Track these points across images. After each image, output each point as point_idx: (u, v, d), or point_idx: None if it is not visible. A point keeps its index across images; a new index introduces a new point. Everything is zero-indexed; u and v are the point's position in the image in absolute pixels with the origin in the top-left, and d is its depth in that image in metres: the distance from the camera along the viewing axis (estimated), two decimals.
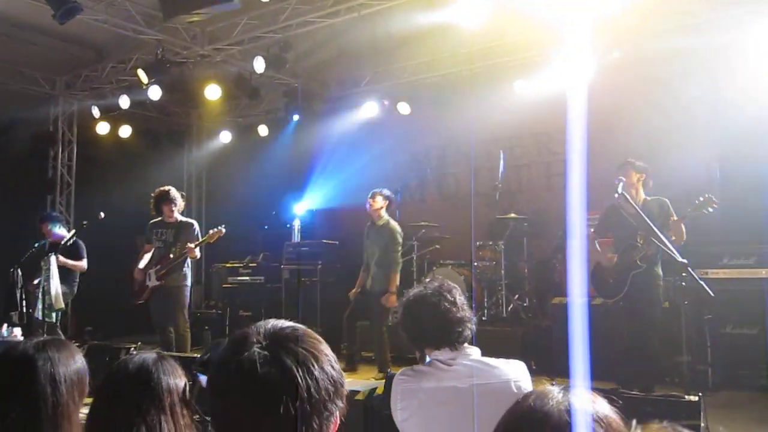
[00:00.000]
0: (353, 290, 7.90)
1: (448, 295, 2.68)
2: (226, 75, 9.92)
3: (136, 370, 1.80)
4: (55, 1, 6.57)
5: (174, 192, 7.46)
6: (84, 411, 2.03)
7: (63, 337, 6.45)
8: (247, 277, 10.55)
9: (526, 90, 9.24)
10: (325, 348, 1.30)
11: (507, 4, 7.61)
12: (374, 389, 4.95)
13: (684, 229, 5.60)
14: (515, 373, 2.61)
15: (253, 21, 8.82)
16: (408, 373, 2.67)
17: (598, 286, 6.17)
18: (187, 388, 1.85)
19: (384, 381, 4.94)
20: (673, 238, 5.45)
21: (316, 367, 1.24)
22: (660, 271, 5.93)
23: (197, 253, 7.27)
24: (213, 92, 9.73)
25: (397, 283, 7.34)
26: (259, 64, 8.97)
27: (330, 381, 1.25)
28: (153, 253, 7.51)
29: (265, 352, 1.23)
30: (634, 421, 1.09)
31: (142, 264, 7.49)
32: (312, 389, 1.22)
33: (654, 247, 5.57)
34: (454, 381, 2.54)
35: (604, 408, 1.16)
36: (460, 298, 2.71)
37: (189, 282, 7.49)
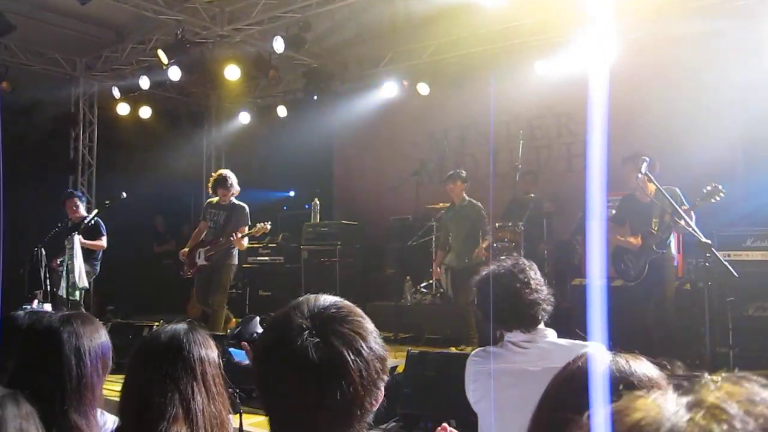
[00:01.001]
0: (436, 269, 8.28)
1: (521, 275, 2.60)
2: (245, 55, 9.91)
3: (168, 339, 1.84)
4: None
5: (230, 177, 7.66)
6: (108, 386, 2.06)
7: None
8: (267, 258, 10.61)
9: (547, 71, 9.15)
10: (369, 324, 1.30)
11: None
12: (395, 368, 4.99)
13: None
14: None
15: (272, 1, 8.78)
16: (480, 354, 2.66)
17: (618, 268, 6.18)
18: (220, 359, 1.88)
19: (405, 360, 4.97)
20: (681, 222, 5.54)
21: (365, 347, 1.23)
22: (673, 252, 6.13)
23: (244, 243, 7.61)
24: (232, 73, 9.72)
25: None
26: (278, 44, 8.95)
27: (378, 358, 1.25)
28: (206, 233, 7.74)
29: (316, 339, 1.22)
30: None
31: (190, 242, 7.80)
32: (363, 371, 1.22)
33: (667, 231, 5.79)
34: (525, 364, 2.50)
35: (650, 370, 1.19)
36: (535, 278, 2.61)
37: (235, 261, 7.74)
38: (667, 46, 8.35)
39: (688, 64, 8.29)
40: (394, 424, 4.66)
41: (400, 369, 5.02)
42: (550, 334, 2.61)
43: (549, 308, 2.62)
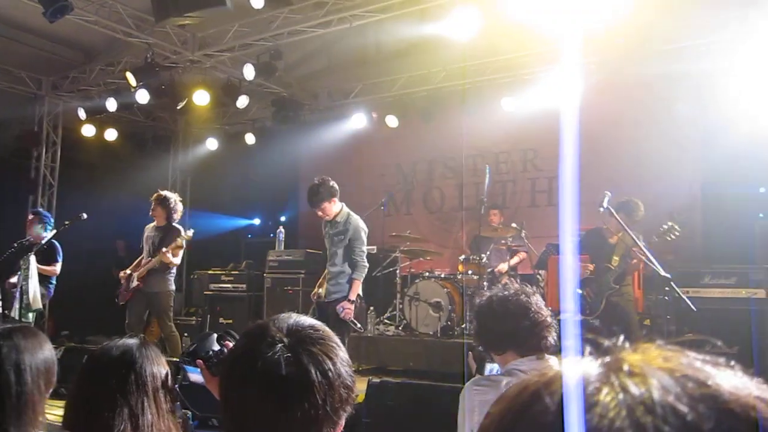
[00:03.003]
0: None
1: (534, 299, 2.53)
2: (214, 81, 9.90)
3: (120, 354, 1.79)
4: None
5: (172, 198, 7.38)
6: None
7: None
8: (229, 285, 10.47)
9: (514, 107, 9.34)
10: (343, 353, 1.28)
11: (497, 20, 7.68)
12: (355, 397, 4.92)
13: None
14: None
15: (244, 28, 8.83)
16: (483, 383, 2.57)
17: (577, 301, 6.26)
18: (169, 377, 1.84)
19: (366, 389, 4.91)
20: (634, 261, 5.89)
21: (333, 371, 1.22)
22: (631, 290, 6.26)
23: (170, 258, 7.19)
24: (201, 98, 9.69)
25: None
26: (248, 71, 8.97)
27: (345, 386, 1.23)
28: (142, 257, 7.50)
29: (288, 354, 1.21)
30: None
31: (130, 268, 7.50)
32: (327, 394, 1.20)
33: (625, 267, 5.99)
34: None
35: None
36: (543, 305, 2.55)
37: (172, 287, 7.47)
38: (632, 87, 8.59)
39: (653, 104, 8.54)
40: None
41: (360, 398, 4.96)
42: (555, 363, 2.48)
43: (555, 337, 2.55)
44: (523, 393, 0.53)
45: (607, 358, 0.52)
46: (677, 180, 8.09)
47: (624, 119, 8.79)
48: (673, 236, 5.43)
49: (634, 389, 0.48)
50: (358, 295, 6.21)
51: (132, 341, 1.85)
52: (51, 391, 1.94)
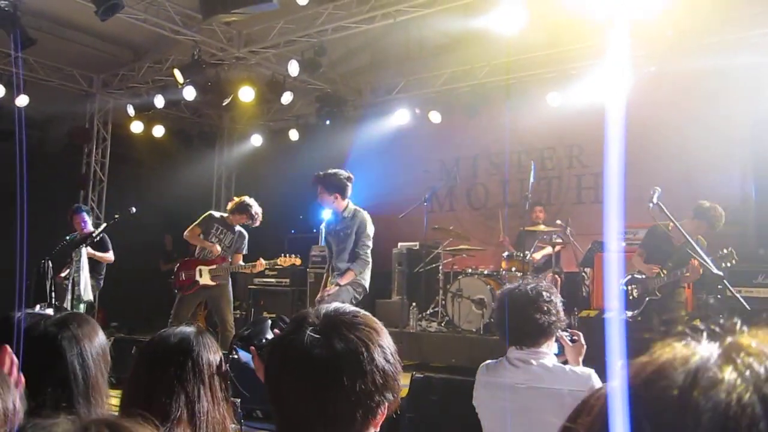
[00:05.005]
0: None
1: (532, 295, 2.65)
2: (259, 78, 10.01)
3: (178, 341, 1.82)
4: None
5: (258, 211, 7.27)
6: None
7: None
8: (273, 279, 10.57)
9: (559, 102, 9.20)
10: (383, 338, 1.28)
11: (542, 13, 7.59)
12: (398, 404, 4.91)
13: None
14: (576, 383, 2.58)
15: (289, 25, 8.89)
16: (488, 364, 2.82)
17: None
18: (223, 363, 1.86)
19: (409, 384, 4.90)
20: (687, 274, 5.50)
21: (366, 356, 1.22)
22: (682, 298, 5.91)
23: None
24: (246, 94, 9.81)
25: None
26: (293, 68, 9.03)
27: (380, 373, 1.22)
28: (205, 251, 7.26)
29: (317, 336, 1.22)
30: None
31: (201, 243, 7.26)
32: (358, 379, 1.20)
33: (675, 279, 5.64)
34: (514, 380, 2.62)
35: None
36: (548, 301, 2.66)
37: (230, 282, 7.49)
38: (680, 80, 8.38)
39: (702, 98, 8.32)
40: None
41: (403, 393, 4.95)
42: (550, 358, 2.68)
43: (553, 331, 2.69)
44: (646, 369, 0.55)
45: (724, 340, 0.55)
46: (728, 176, 7.87)
47: (672, 113, 8.59)
48: (731, 263, 5.23)
49: (758, 367, 0.51)
50: (364, 288, 6.06)
51: (189, 329, 1.89)
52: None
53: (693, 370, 0.52)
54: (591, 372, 2.65)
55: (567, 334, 2.93)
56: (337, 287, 5.84)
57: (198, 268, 7.19)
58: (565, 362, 2.85)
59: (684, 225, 5.34)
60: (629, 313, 5.91)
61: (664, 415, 0.50)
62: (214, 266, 7.19)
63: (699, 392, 0.50)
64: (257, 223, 7.31)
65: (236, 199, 7.43)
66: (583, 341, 2.91)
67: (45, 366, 1.89)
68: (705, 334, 0.56)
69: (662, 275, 5.72)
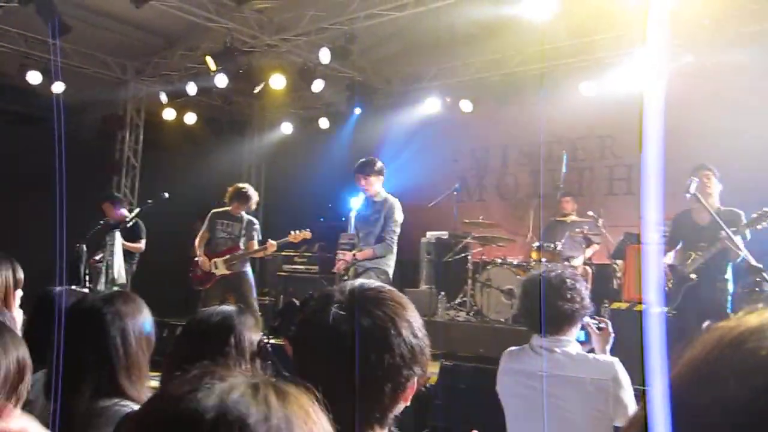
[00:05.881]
0: None
1: (556, 282, 2.65)
2: (290, 65, 10.03)
3: (221, 319, 1.85)
4: None
5: (251, 192, 7.53)
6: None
7: None
8: (302, 266, 10.63)
9: (592, 92, 9.10)
10: (409, 313, 1.29)
11: (576, 1, 7.48)
12: (427, 379, 4.93)
13: (743, 252, 5.02)
14: (599, 372, 2.59)
15: (320, 12, 8.89)
16: (511, 351, 2.86)
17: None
18: (261, 344, 1.89)
19: (438, 372, 4.92)
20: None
21: (392, 332, 1.23)
22: (728, 286, 5.35)
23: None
24: (277, 82, 9.85)
25: None
26: (324, 55, 9.04)
27: (407, 347, 1.23)
28: (212, 243, 7.55)
29: (342, 312, 1.23)
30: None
31: (200, 251, 7.55)
32: (385, 354, 1.21)
33: (714, 257, 5.16)
34: (536, 367, 2.64)
35: None
36: (572, 289, 2.65)
37: (249, 269, 7.64)
38: (719, 70, 8.20)
39: (742, 88, 8.13)
40: None
41: (432, 380, 4.97)
42: (573, 346, 2.68)
43: (578, 320, 2.71)
44: (733, 331, 0.55)
45: None
46: (764, 177, 7.68)
47: (710, 104, 8.41)
48: (765, 224, 4.95)
49: None
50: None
51: (230, 308, 1.92)
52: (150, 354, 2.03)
53: None
54: (614, 360, 2.64)
55: (595, 321, 2.93)
56: (354, 258, 5.90)
57: (213, 261, 7.43)
58: (591, 350, 2.84)
59: (711, 182, 5.20)
60: (665, 309, 5.73)
61: (756, 376, 0.51)
62: (227, 256, 7.41)
63: None
64: (253, 205, 7.54)
65: (230, 189, 7.59)
66: (610, 329, 2.90)
67: (88, 338, 1.94)
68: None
69: (697, 256, 5.31)
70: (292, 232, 7.44)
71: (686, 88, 7.95)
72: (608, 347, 2.87)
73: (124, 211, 8.16)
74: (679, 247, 5.58)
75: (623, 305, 7.03)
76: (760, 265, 4.43)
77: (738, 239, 4.84)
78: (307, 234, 7.45)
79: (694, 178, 4.99)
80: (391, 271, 6.13)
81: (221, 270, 7.40)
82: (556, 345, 2.64)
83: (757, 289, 4.64)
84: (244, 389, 0.69)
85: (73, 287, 6.49)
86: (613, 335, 2.90)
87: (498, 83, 9.96)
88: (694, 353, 0.58)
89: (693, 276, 5.36)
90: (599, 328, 2.91)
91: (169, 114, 11.30)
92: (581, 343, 2.80)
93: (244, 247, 7.46)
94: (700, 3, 7.07)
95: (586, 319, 2.83)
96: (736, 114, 8.11)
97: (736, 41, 7.80)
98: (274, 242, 7.34)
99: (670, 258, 5.64)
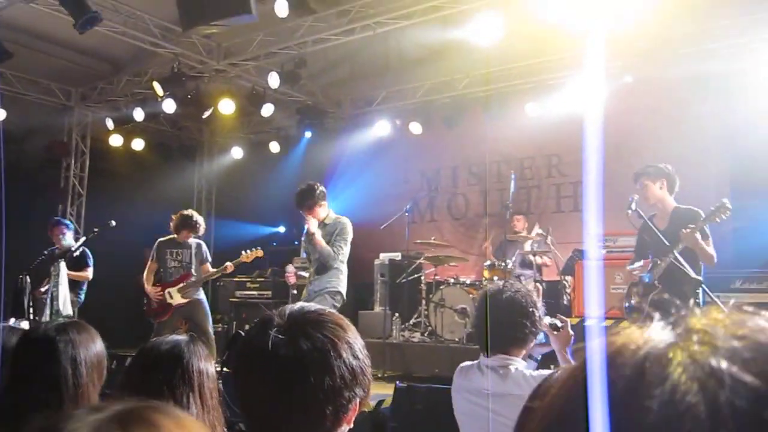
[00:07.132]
0: None
1: (512, 305, 2.61)
2: (240, 90, 10.01)
3: (169, 348, 1.83)
4: (75, 10, 6.66)
5: (198, 218, 7.44)
6: None
7: None
8: (255, 292, 10.52)
9: (537, 112, 9.31)
10: (350, 335, 1.29)
11: (520, 25, 7.67)
12: (381, 401, 4.92)
13: (710, 251, 5.05)
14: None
15: (269, 37, 8.91)
16: (462, 368, 2.83)
17: (624, 306, 5.85)
18: (214, 372, 1.88)
19: (392, 394, 4.91)
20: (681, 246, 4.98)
21: (332, 354, 1.23)
22: (687, 289, 5.06)
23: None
24: (227, 107, 9.80)
25: None
26: (273, 80, 9.05)
27: (348, 369, 1.24)
28: (162, 272, 7.43)
29: (282, 336, 1.23)
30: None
31: (148, 284, 7.40)
32: (326, 376, 1.21)
33: (671, 258, 4.97)
34: (481, 385, 2.64)
35: None
36: (525, 314, 2.60)
37: (204, 296, 7.56)
38: (655, 90, 8.53)
39: (677, 106, 8.47)
40: None
41: (387, 403, 4.96)
42: (517, 364, 2.62)
43: (527, 344, 2.65)
44: (599, 355, 0.51)
45: (675, 325, 0.51)
46: (704, 183, 7.96)
47: (648, 122, 8.72)
48: (724, 216, 4.94)
49: (704, 360, 0.45)
50: (342, 295, 6.06)
51: (181, 337, 1.90)
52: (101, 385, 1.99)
53: (641, 361, 0.48)
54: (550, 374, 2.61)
55: (552, 320, 2.87)
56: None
57: (167, 291, 7.29)
58: (552, 352, 2.83)
59: (648, 191, 5.25)
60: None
61: (617, 406, 0.46)
62: (181, 284, 7.29)
63: (645, 386, 0.46)
64: (201, 231, 7.46)
65: (174, 217, 7.50)
66: (570, 330, 2.86)
67: (38, 366, 1.90)
68: (662, 315, 0.53)
69: (659, 263, 5.18)
70: (244, 252, 7.38)
71: (626, 106, 8.22)
72: (569, 349, 2.82)
73: (71, 240, 7.96)
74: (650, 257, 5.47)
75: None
76: (700, 278, 4.56)
77: (697, 236, 4.87)
78: (259, 252, 7.41)
79: (634, 195, 5.10)
80: (344, 291, 6.12)
81: (177, 299, 7.27)
82: (499, 364, 2.61)
83: (697, 300, 4.72)
84: None
85: (11, 321, 6.31)
86: (573, 336, 2.86)
87: (446, 105, 10.12)
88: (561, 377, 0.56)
89: (658, 284, 5.22)
90: (557, 328, 2.85)
91: (116, 140, 11.12)
92: (541, 344, 2.77)
93: (196, 273, 7.38)
94: (637, 26, 7.33)
95: (545, 319, 2.76)
96: (673, 129, 8.42)
97: (671, 61, 8.10)
98: (230, 263, 7.28)
99: (639, 268, 5.43)
